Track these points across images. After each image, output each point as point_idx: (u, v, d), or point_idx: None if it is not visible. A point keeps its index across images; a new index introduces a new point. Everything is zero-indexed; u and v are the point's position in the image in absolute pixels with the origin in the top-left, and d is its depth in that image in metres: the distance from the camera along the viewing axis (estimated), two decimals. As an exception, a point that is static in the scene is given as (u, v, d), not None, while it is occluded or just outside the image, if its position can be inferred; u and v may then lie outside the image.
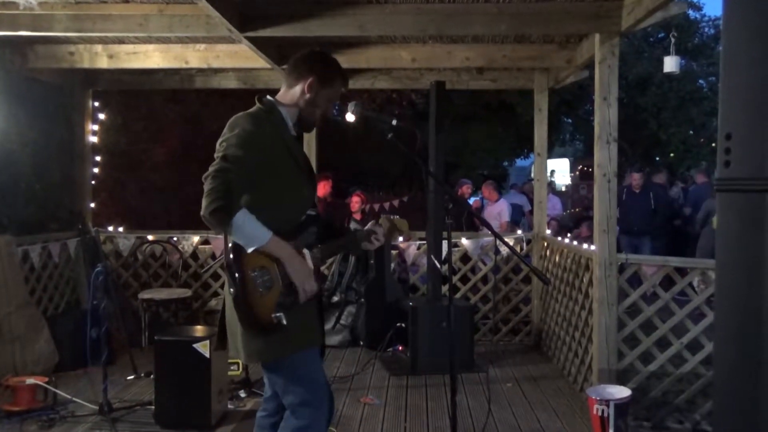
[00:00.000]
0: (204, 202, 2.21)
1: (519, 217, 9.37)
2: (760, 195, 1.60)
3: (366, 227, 2.71)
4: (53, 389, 4.33)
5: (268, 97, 2.54)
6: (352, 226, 7.17)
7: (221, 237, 6.34)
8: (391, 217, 2.79)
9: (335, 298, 6.31)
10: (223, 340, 2.52)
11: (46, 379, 4.37)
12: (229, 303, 2.43)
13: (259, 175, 2.34)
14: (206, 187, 2.22)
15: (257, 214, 2.29)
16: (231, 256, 2.29)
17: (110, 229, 6.62)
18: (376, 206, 9.55)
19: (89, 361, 4.94)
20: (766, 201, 1.59)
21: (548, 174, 7.13)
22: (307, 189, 2.53)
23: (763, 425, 1.58)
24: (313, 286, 2.40)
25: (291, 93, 2.52)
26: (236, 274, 2.27)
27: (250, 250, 2.28)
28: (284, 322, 2.30)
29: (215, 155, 2.31)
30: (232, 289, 2.30)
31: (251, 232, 2.27)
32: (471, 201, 9.84)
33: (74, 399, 4.36)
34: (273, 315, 2.29)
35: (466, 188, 8.69)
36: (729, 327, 1.68)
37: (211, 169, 2.25)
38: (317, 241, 2.51)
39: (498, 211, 8.12)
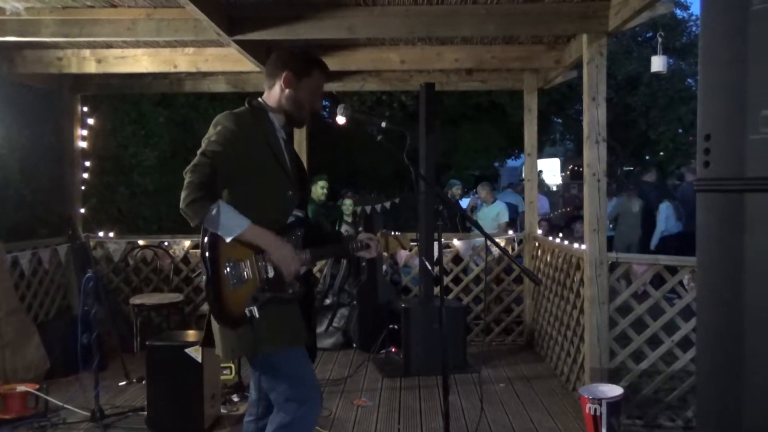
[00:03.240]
0: (182, 196, 2.24)
1: (515, 217, 9.42)
2: (740, 195, 1.61)
3: (361, 237, 2.69)
4: (44, 396, 4.30)
5: (259, 99, 2.56)
6: (344, 228, 7.17)
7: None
8: (392, 233, 2.78)
9: (327, 301, 6.30)
10: (210, 338, 2.54)
11: (37, 386, 4.35)
12: None
13: (239, 174, 2.36)
14: (185, 180, 2.26)
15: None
16: (207, 247, 2.30)
17: (101, 234, 6.58)
18: (368, 208, 9.56)
19: (81, 367, 4.91)
20: (745, 201, 1.61)
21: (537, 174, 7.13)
22: (293, 191, 2.53)
23: (745, 421, 1.59)
24: (297, 268, 2.42)
25: (272, 94, 2.55)
26: (208, 265, 2.29)
27: (228, 240, 2.29)
28: (257, 315, 2.30)
29: (198, 152, 2.35)
30: (204, 277, 2.31)
31: (229, 220, 2.28)
32: (467, 201, 9.87)
33: (66, 406, 4.34)
34: (246, 309, 2.31)
35: (455, 190, 8.74)
36: (711, 325, 1.70)
37: (190, 164, 2.29)
38: (304, 244, 2.51)
39: (496, 212, 8.13)
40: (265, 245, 2.36)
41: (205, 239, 2.31)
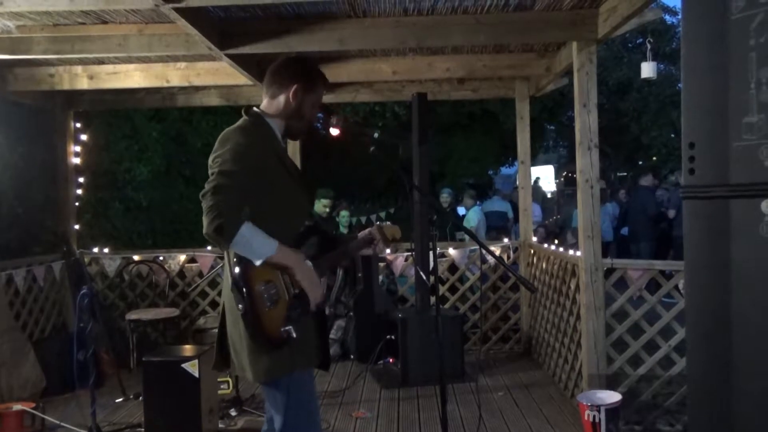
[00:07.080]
0: (206, 220, 2.14)
1: (504, 223, 9.47)
2: (725, 201, 1.63)
3: (362, 234, 2.68)
4: (41, 414, 4.28)
5: (255, 108, 2.50)
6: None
7: (208, 255, 6.34)
8: (382, 224, 2.77)
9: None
10: (224, 359, 2.47)
11: (34, 405, 4.32)
12: (230, 320, 2.38)
13: (256, 188, 2.30)
14: (205, 204, 2.16)
15: (259, 227, 2.24)
16: (238, 271, 2.23)
17: (95, 250, 6.56)
18: (363, 219, 9.58)
19: (77, 384, 4.86)
20: (730, 207, 1.62)
21: (531, 181, 7.20)
22: (304, 198, 2.50)
23: (735, 421, 1.60)
24: (321, 293, 2.38)
25: (275, 103, 2.47)
26: (244, 290, 2.21)
27: (258, 263, 2.23)
28: (294, 335, 2.26)
29: (209, 171, 2.26)
30: (240, 306, 2.22)
31: (258, 244, 2.22)
32: (463, 210, 9.99)
33: (62, 424, 4.31)
34: (282, 329, 2.25)
35: (444, 197, 8.89)
36: (699, 329, 1.71)
37: (207, 186, 2.19)
38: (319, 252, 2.46)
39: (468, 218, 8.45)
40: (293, 265, 2.30)
41: (236, 270, 2.23)
